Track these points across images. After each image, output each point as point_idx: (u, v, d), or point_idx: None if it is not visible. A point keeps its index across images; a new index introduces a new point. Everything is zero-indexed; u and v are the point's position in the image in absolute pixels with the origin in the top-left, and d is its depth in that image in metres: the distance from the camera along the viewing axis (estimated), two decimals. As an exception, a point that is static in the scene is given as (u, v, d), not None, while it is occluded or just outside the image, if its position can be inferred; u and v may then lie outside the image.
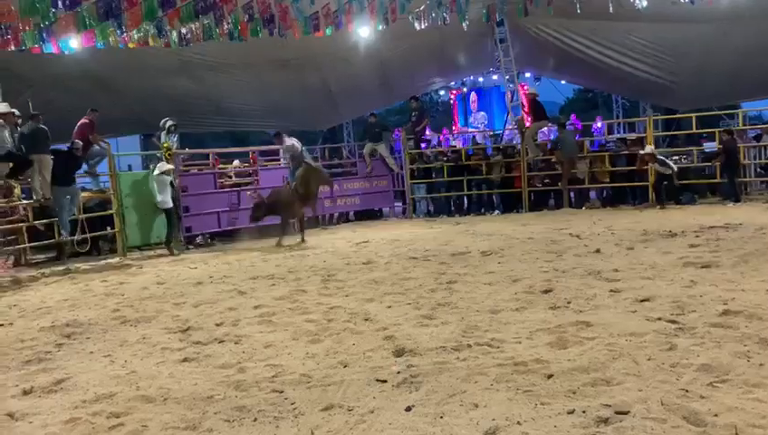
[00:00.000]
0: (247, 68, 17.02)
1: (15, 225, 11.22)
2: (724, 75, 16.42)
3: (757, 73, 16.03)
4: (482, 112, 22.58)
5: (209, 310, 6.87)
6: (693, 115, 14.78)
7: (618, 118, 22.82)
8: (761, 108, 18.29)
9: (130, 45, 12.08)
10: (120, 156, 13.98)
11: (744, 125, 15.55)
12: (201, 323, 6.30)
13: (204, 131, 20.45)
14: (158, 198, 11.74)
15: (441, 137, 20.51)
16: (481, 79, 23.26)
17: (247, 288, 7.94)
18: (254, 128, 21.89)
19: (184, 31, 12.01)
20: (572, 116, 20.18)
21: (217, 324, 6.19)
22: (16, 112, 10.85)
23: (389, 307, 6.42)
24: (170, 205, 11.89)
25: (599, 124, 19.72)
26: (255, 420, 3.82)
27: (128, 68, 15.30)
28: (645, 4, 13.99)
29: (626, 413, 3.46)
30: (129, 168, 17.72)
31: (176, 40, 12.20)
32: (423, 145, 17.11)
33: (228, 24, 12.29)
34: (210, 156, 16.32)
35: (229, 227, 13.64)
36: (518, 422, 3.47)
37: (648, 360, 4.26)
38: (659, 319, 5.19)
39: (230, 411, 3.95)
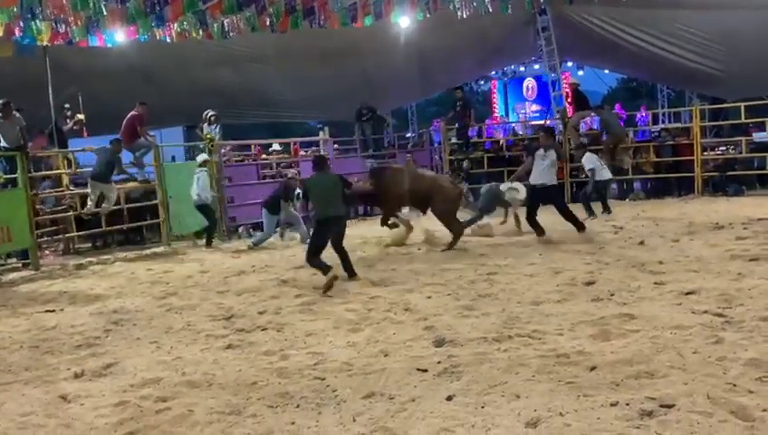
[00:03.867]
0: (288, 59, 17.10)
1: (64, 214, 11.53)
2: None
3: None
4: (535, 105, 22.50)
5: (252, 298, 6.97)
6: (741, 104, 14.38)
7: (662, 108, 22.31)
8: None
9: (173, 38, 12.27)
10: (165, 147, 14.19)
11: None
12: (244, 311, 6.41)
13: (245, 123, 20.67)
14: (194, 192, 11.69)
15: (488, 123, 20.34)
16: (522, 68, 23.03)
17: (289, 277, 8.03)
18: (295, 119, 22.02)
19: (226, 22, 12.14)
20: (617, 106, 19.82)
21: (260, 313, 6.28)
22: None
23: (429, 298, 6.43)
24: (205, 200, 11.63)
25: (643, 114, 19.32)
26: (298, 406, 3.88)
27: (171, 60, 15.54)
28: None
29: (671, 407, 3.42)
30: (173, 158, 18.03)
31: (217, 32, 12.35)
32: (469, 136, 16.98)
33: (270, 15, 12.38)
34: (252, 147, 16.51)
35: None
36: (560, 414, 3.45)
37: (694, 353, 4.19)
38: (705, 312, 5.09)
39: (273, 398, 4.02)
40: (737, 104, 14.73)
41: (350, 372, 4.39)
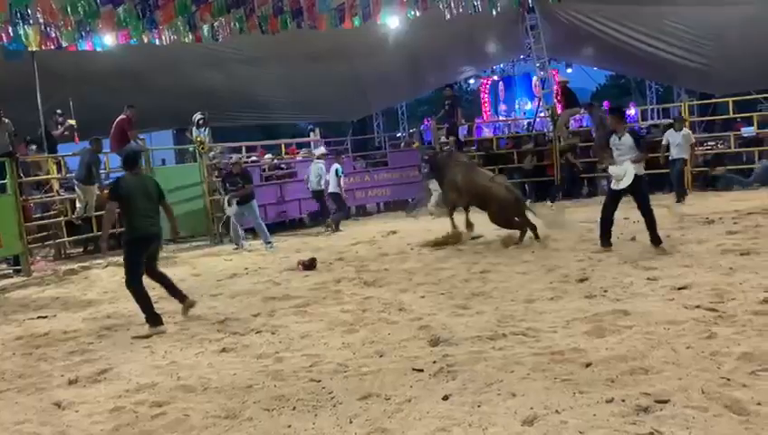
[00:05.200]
0: (278, 61, 17.08)
1: (54, 219, 11.46)
2: (762, 59, 16.01)
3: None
4: (524, 98, 22.58)
5: (245, 301, 6.96)
6: (729, 100, 14.46)
7: (651, 104, 22.41)
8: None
9: (162, 41, 12.23)
10: (155, 150, 14.13)
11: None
12: (238, 314, 6.40)
13: (235, 125, 20.63)
14: (313, 183, 12.96)
15: (478, 121, 20.43)
16: (511, 67, 23.10)
17: (282, 280, 8.03)
18: (285, 120, 21.99)
19: (215, 25, 12.11)
20: (605, 103, 19.89)
21: (254, 315, 6.27)
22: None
23: (423, 297, 6.45)
24: (329, 189, 12.91)
25: (632, 111, 19.39)
26: (294, 408, 3.88)
27: (160, 64, 15.47)
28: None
29: (666, 402, 3.44)
30: (163, 162, 17.93)
31: (207, 35, 12.31)
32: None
33: (258, 17, 12.36)
34: (258, 148, 16.56)
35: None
36: (556, 411, 3.47)
37: (688, 348, 4.22)
38: (698, 307, 5.12)
39: (269, 401, 4.01)
40: (725, 99, 14.82)
41: (345, 373, 4.39)
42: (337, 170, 13.02)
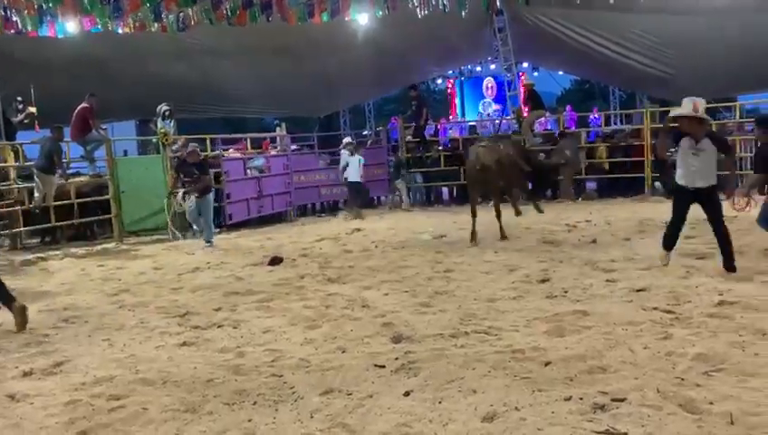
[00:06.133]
0: (246, 54, 16.92)
1: (11, 208, 11.18)
2: (722, 68, 16.39)
3: (755, 67, 16.02)
4: (488, 100, 22.73)
5: (207, 295, 6.89)
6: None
7: (614, 109, 22.81)
8: (757, 101, 18.26)
9: (126, 30, 12.03)
10: (117, 140, 13.87)
11: (741, 118, 15.56)
12: (199, 308, 6.32)
13: (200, 117, 20.38)
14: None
15: (439, 126, 20.52)
16: (479, 68, 23.27)
17: (245, 275, 7.96)
18: (251, 114, 21.81)
19: (182, 16, 11.95)
20: (568, 107, 20.17)
21: (215, 310, 6.21)
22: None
23: (387, 295, 6.46)
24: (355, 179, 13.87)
25: (595, 115, 19.72)
26: (255, 403, 3.86)
27: (125, 53, 15.20)
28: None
29: (622, 400, 3.51)
30: (126, 153, 17.61)
31: (173, 25, 12.15)
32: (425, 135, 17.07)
33: (226, 9, 12.24)
34: (247, 140, 16.41)
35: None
36: (516, 408, 3.51)
37: (645, 349, 4.31)
38: (655, 309, 5.23)
39: (230, 395, 3.98)
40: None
41: (307, 368, 4.38)
42: (360, 160, 14.04)
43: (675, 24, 15.89)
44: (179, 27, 12.29)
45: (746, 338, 4.37)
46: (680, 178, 6.61)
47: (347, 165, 14.08)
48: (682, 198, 6.67)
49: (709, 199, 6.46)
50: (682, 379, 3.77)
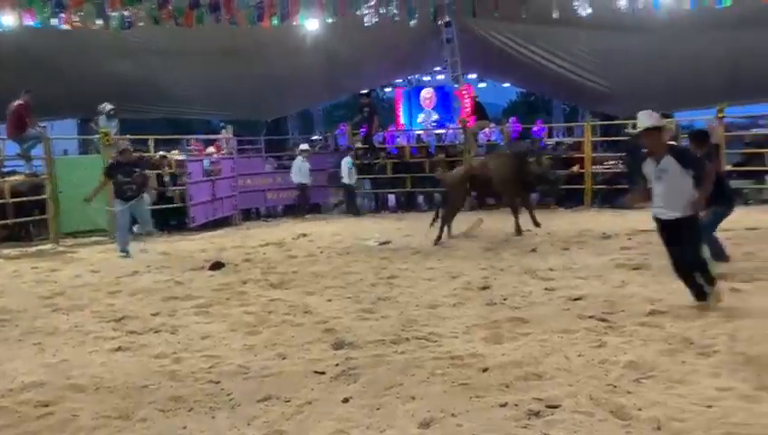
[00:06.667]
0: (193, 55, 16.61)
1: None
2: (661, 85, 16.96)
3: (692, 84, 16.64)
4: (432, 109, 22.89)
5: (146, 299, 6.74)
6: (629, 122, 15.24)
7: (558, 122, 23.32)
8: (692, 118, 18.94)
9: (67, 26, 11.71)
10: (56, 139, 13.44)
11: (677, 134, 16.13)
12: (136, 312, 6.18)
13: (145, 118, 19.96)
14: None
15: (386, 134, 20.62)
16: (427, 78, 23.44)
17: (185, 279, 7.82)
18: (197, 115, 21.44)
19: (126, 14, 11.70)
20: (512, 119, 20.50)
21: (153, 314, 6.08)
22: None
23: (330, 301, 6.45)
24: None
25: (539, 128, 20.11)
26: (191, 410, 3.79)
27: (67, 49, 14.75)
28: (588, 11, 14.40)
29: (556, 407, 3.58)
30: (65, 152, 17.08)
31: (117, 23, 11.88)
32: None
33: (173, 9, 12.05)
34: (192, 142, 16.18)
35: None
36: (453, 414, 3.55)
37: (579, 356, 4.41)
38: (591, 317, 5.36)
39: (165, 401, 3.90)
40: (626, 121, 15.61)
41: (246, 375, 4.34)
42: (348, 162, 14.81)
43: (615, 41, 16.38)
44: (124, 25, 12.02)
45: (675, 346, 4.52)
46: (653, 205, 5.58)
47: (299, 169, 14.68)
48: (658, 230, 5.61)
49: (677, 237, 5.37)
50: (614, 386, 3.88)
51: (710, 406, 3.52)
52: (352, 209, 15.16)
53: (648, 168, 5.51)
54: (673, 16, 14.71)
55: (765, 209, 12.03)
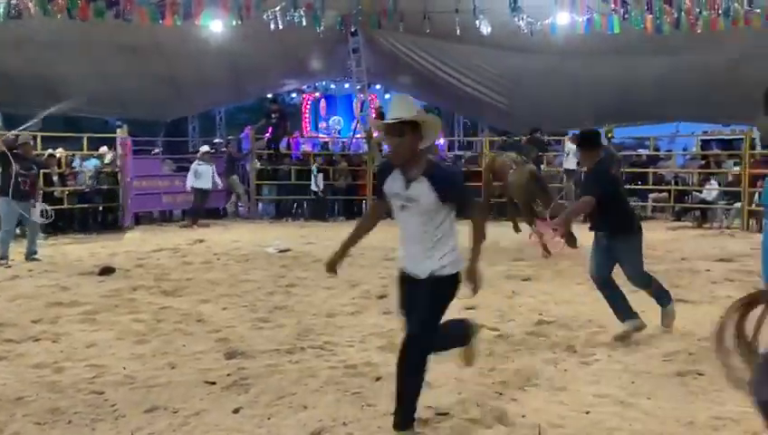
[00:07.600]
0: (88, 49, 15.92)
1: None
2: (557, 103, 17.79)
3: (586, 103, 17.54)
4: (337, 117, 22.88)
5: (26, 305, 6.38)
6: (523, 138, 15.86)
7: (458, 136, 23.91)
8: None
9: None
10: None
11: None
12: (15, 319, 5.83)
13: (33, 114, 18.87)
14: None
15: (291, 140, 20.48)
16: (333, 86, 23.48)
17: (71, 284, 7.45)
18: (92, 114, 20.48)
19: (14, 2, 11.05)
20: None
21: (34, 321, 5.76)
22: None
23: (225, 309, 6.32)
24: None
25: (441, 141, 20.55)
26: (70, 422, 3.62)
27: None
28: (488, 30, 14.92)
29: (445, 414, 3.67)
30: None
31: (2, 11, 11.20)
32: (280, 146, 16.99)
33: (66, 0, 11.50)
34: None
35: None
36: (344, 423, 3.57)
37: (470, 365, 4.53)
38: (482, 326, 5.50)
39: (42, 414, 3.70)
40: (521, 138, 16.24)
41: (132, 385, 4.18)
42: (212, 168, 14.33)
43: (515, 60, 17.05)
44: (11, 14, 11.34)
45: (559, 355, 4.74)
46: None
47: (195, 173, 14.04)
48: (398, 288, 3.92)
49: (416, 306, 3.71)
50: (501, 393, 4.01)
51: (588, 412, 3.71)
52: (193, 216, 14.16)
53: (393, 186, 3.53)
54: (569, 40, 15.47)
55: (649, 226, 12.77)
